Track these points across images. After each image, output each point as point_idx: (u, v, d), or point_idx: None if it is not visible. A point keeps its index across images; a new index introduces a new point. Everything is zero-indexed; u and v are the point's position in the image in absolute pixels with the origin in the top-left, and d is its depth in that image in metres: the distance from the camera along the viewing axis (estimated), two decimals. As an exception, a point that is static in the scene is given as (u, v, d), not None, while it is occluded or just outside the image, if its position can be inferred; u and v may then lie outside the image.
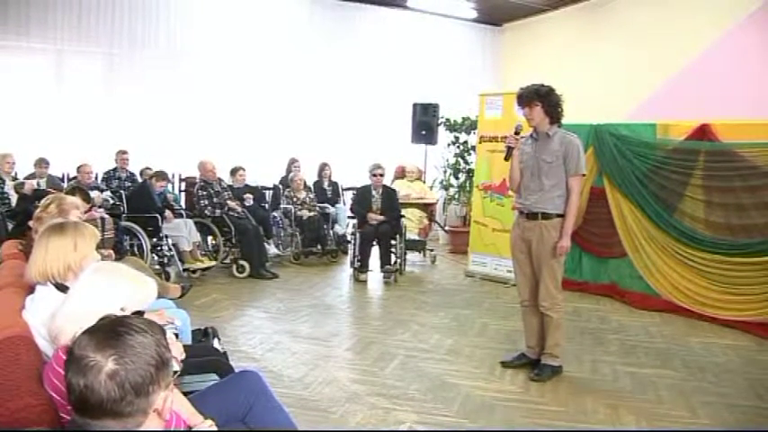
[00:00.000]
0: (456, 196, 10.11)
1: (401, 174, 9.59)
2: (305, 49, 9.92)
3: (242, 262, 7.35)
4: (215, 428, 1.84)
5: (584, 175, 4.25)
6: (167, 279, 6.43)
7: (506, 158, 4.32)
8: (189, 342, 3.30)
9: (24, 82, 8.33)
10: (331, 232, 8.65)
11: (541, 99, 4.11)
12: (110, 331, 1.41)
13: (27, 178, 7.08)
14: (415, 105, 9.67)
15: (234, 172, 8.28)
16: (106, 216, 6.03)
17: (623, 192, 6.46)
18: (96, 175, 7.87)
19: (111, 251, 4.78)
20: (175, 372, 1.55)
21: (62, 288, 2.37)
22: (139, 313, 2.02)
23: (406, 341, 5.06)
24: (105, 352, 1.36)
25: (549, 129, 4.18)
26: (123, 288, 2.08)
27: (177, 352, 1.57)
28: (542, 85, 4.15)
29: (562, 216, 4.17)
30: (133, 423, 1.38)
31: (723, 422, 3.65)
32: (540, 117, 4.15)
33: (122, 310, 2.00)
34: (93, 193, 6.27)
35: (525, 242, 4.30)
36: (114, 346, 1.37)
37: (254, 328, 5.32)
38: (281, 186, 8.98)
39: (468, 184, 9.65)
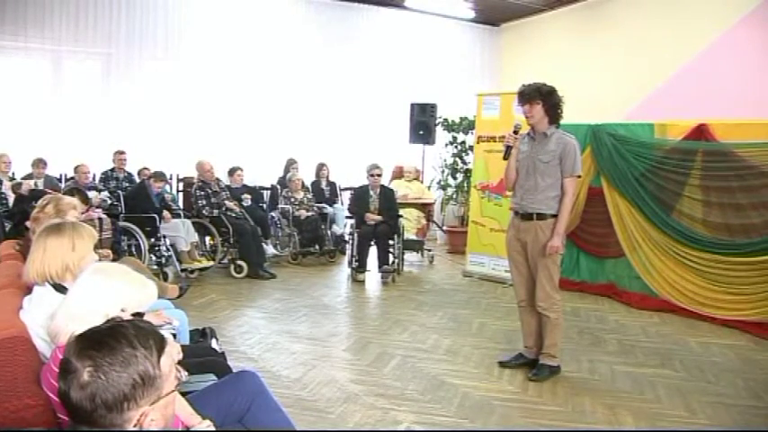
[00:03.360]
0: (454, 196, 10.11)
1: (399, 174, 9.59)
2: (302, 49, 9.91)
3: (240, 262, 7.35)
4: (213, 429, 1.83)
5: (579, 176, 4.24)
6: (165, 279, 6.43)
7: (505, 157, 4.32)
8: (187, 342, 3.30)
9: (21, 82, 8.31)
10: (329, 232, 8.65)
11: (543, 98, 4.11)
12: (97, 340, 1.38)
13: (24, 179, 7.07)
14: (412, 105, 9.66)
15: (232, 172, 8.28)
16: (104, 216, 6.03)
17: (621, 192, 6.46)
18: (94, 175, 7.86)
19: (109, 251, 4.77)
20: (179, 379, 1.54)
21: (60, 289, 2.36)
22: (139, 314, 2.02)
23: (405, 341, 5.05)
24: (84, 361, 1.34)
25: (547, 129, 4.18)
26: (124, 289, 2.07)
27: (175, 353, 1.55)
28: (545, 84, 4.14)
29: (557, 216, 4.17)
30: (111, 428, 1.36)
31: (721, 422, 3.65)
32: (539, 116, 4.14)
33: (123, 311, 2.00)
34: (91, 194, 6.26)
35: (521, 242, 4.30)
36: (93, 357, 1.34)
37: (252, 328, 5.31)
38: (278, 186, 8.98)
39: (465, 184, 9.65)
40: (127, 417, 1.35)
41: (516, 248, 4.35)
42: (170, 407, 1.48)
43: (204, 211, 7.48)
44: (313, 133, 10.09)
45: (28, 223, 3.63)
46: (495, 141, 7.42)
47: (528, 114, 4.17)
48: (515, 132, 4.25)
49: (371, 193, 7.59)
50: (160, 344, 1.45)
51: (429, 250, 8.90)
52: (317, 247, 8.32)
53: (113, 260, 4.45)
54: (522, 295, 4.41)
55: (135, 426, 1.37)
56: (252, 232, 7.49)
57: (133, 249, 6.70)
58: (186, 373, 1.63)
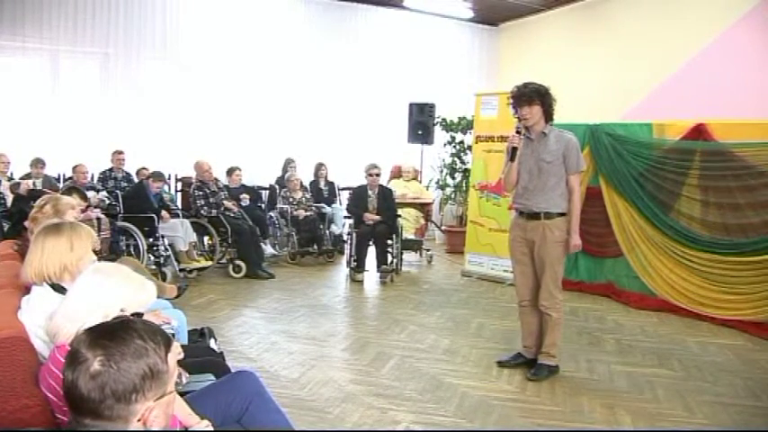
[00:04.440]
0: (452, 196, 10.11)
1: (397, 174, 9.59)
2: (301, 49, 9.91)
3: (238, 262, 7.35)
4: (211, 429, 1.83)
5: (582, 170, 4.26)
6: (164, 279, 6.43)
7: (511, 159, 4.26)
8: (185, 342, 3.29)
9: (20, 82, 8.30)
10: (327, 232, 8.66)
11: (542, 98, 4.11)
12: (108, 332, 1.40)
13: (23, 178, 7.07)
14: (411, 105, 9.68)
15: (230, 172, 8.28)
16: (102, 216, 6.02)
17: (619, 191, 6.47)
18: (92, 175, 7.85)
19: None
20: (178, 384, 1.54)
21: (58, 289, 2.36)
22: (138, 315, 2.02)
23: (403, 341, 5.05)
24: (96, 351, 1.35)
25: (545, 128, 4.18)
26: (123, 289, 2.08)
27: (177, 353, 1.55)
28: (541, 85, 4.14)
29: (563, 215, 4.18)
30: (113, 426, 1.36)
31: (720, 422, 3.65)
32: (538, 116, 4.14)
33: (122, 311, 2.00)
34: (90, 194, 6.26)
35: (527, 242, 4.28)
36: (105, 347, 1.35)
37: (250, 328, 5.31)
38: (277, 186, 8.98)
39: (464, 184, 9.66)
40: (133, 409, 1.36)
41: (522, 249, 4.33)
42: (170, 406, 1.50)
43: (203, 211, 7.48)
44: (311, 133, 10.09)
45: (26, 223, 3.63)
46: (493, 141, 7.43)
47: (527, 116, 4.12)
48: (518, 132, 4.24)
49: (370, 192, 7.59)
50: (167, 341, 1.47)
51: (428, 250, 8.91)
52: (315, 246, 8.32)
53: (112, 260, 4.44)
54: (524, 295, 4.41)
55: (139, 420, 1.38)
56: (250, 232, 7.49)
57: (131, 249, 6.70)
58: (188, 376, 1.63)
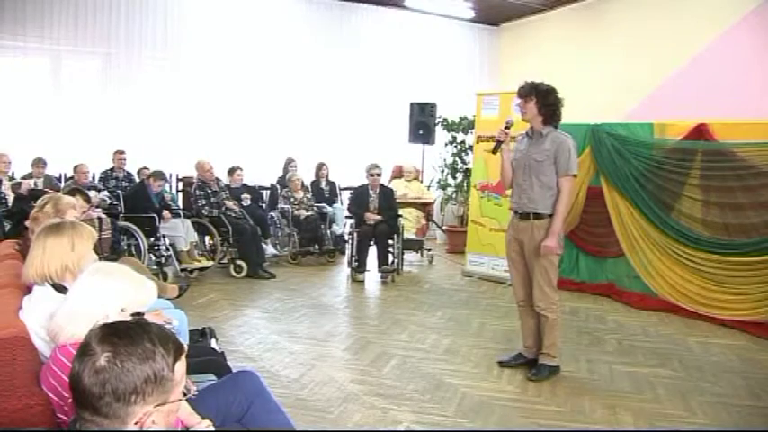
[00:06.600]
0: (453, 196, 10.11)
1: (399, 174, 9.59)
2: (302, 49, 9.91)
3: (239, 262, 7.35)
4: (212, 429, 1.83)
5: (575, 175, 4.24)
6: (165, 279, 6.43)
7: (494, 152, 4.32)
8: (186, 342, 3.29)
9: (21, 82, 8.30)
10: (328, 232, 8.64)
11: (538, 95, 4.12)
12: (122, 330, 1.42)
13: (24, 178, 7.07)
14: (412, 105, 9.67)
15: (231, 172, 8.28)
16: (103, 216, 6.02)
17: (620, 191, 6.47)
18: (93, 175, 7.85)
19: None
20: (185, 394, 1.54)
21: (60, 288, 2.36)
22: (139, 314, 2.02)
23: (404, 341, 5.05)
24: (104, 346, 1.36)
25: (543, 128, 4.19)
26: (124, 289, 2.08)
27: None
28: (543, 83, 4.16)
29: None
30: (109, 425, 1.36)
31: (721, 422, 3.65)
32: (532, 113, 4.15)
33: (123, 311, 2.00)
34: (91, 193, 6.26)
35: (518, 242, 4.30)
36: (114, 344, 1.37)
37: (251, 327, 5.31)
38: (278, 186, 8.98)
39: (465, 184, 9.66)
40: (131, 410, 1.37)
41: (515, 249, 4.35)
42: (172, 415, 1.50)
43: (204, 211, 7.48)
44: (313, 133, 10.09)
45: (27, 223, 3.63)
46: (494, 141, 7.41)
47: (522, 109, 4.21)
48: (507, 128, 4.26)
49: (371, 192, 7.59)
50: (178, 350, 1.48)
51: (428, 250, 8.91)
52: (316, 246, 8.32)
53: (113, 260, 4.45)
54: (521, 295, 4.42)
55: (136, 423, 1.38)
56: (251, 232, 7.49)
57: (133, 249, 6.70)
58: (195, 389, 1.63)
